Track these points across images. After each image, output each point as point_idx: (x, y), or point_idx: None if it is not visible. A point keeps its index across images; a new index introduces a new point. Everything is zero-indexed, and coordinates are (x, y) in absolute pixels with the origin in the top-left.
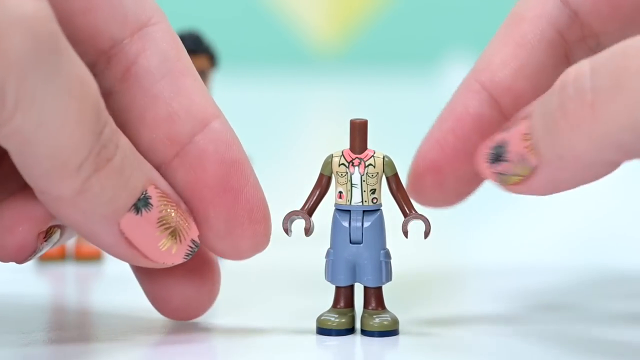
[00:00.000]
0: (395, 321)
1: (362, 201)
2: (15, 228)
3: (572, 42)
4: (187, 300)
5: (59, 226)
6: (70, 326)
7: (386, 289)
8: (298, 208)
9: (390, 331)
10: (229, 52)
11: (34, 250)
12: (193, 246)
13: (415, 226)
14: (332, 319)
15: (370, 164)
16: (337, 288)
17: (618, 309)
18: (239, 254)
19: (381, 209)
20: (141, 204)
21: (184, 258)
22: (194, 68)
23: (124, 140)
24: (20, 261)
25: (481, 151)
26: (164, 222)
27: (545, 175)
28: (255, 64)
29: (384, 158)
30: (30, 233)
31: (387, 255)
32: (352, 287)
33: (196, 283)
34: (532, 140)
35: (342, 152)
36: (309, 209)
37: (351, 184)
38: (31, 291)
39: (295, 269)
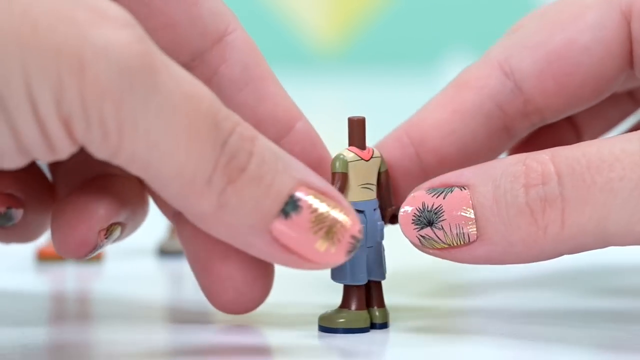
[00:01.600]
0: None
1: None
2: (77, 225)
3: (514, 116)
4: (241, 294)
5: (119, 223)
6: (70, 326)
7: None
8: None
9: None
10: None
11: (95, 247)
12: (354, 242)
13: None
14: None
15: (378, 157)
16: (349, 288)
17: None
18: (239, 309)
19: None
20: (289, 208)
21: (347, 256)
22: (272, 72)
23: (261, 145)
24: (80, 257)
25: (407, 208)
26: (318, 222)
27: (481, 251)
28: None
29: (380, 154)
30: (92, 230)
31: (383, 249)
32: (364, 287)
33: (250, 277)
34: (475, 217)
35: (350, 151)
36: None
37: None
38: (31, 291)
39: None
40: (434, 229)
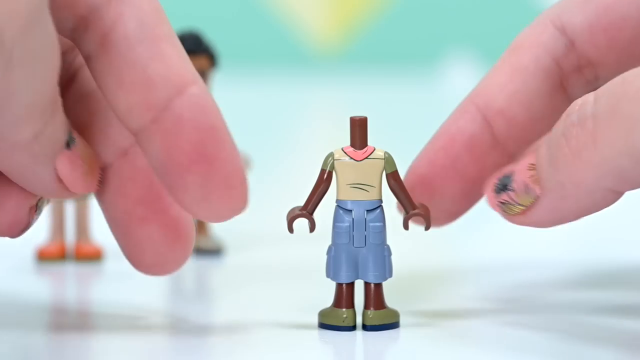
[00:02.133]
0: (397, 313)
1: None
2: (6, 204)
3: (569, 72)
4: (160, 256)
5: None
6: (70, 326)
7: (387, 284)
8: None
9: (393, 323)
10: (229, 52)
11: (27, 225)
12: (102, 174)
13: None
14: (342, 315)
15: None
16: (339, 286)
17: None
18: (217, 217)
19: (382, 205)
20: (70, 140)
21: (98, 186)
22: (175, 35)
23: None
24: (14, 236)
25: (489, 181)
26: (84, 156)
27: (547, 204)
28: (255, 64)
29: (384, 154)
30: (22, 209)
31: (389, 251)
32: (352, 286)
33: (170, 238)
34: (536, 170)
35: (343, 150)
36: (311, 209)
37: None
38: (31, 291)
39: (296, 266)
40: (507, 191)
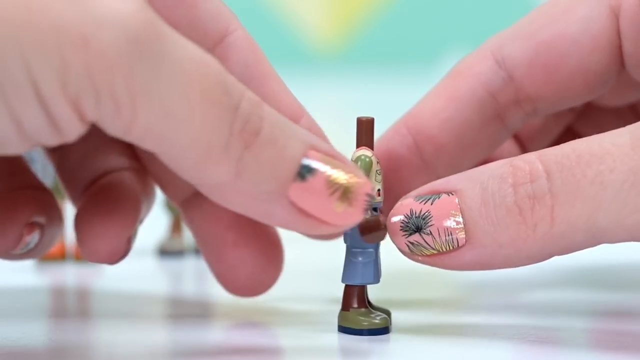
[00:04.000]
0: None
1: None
2: (105, 235)
3: (507, 104)
4: (253, 278)
5: (140, 220)
6: (70, 326)
7: (379, 287)
8: None
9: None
10: None
11: (125, 254)
12: (368, 199)
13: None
14: (376, 318)
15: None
16: (360, 288)
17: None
18: (249, 292)
19: None
20: (305, 170)
21: (364, 214)
22: (274, 70)
23: (268, 109)
24: (112, 264)
25: (395, 216)
26: (333, 182)
27: (470, 255)
28: None
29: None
30: (121, 238)
31: (354, 255)
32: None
33: (262, 262)
34: (463, 221)
35: (371, 152)
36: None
37: (382, 182)
38: (31, 291)
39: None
40: (422, 234)
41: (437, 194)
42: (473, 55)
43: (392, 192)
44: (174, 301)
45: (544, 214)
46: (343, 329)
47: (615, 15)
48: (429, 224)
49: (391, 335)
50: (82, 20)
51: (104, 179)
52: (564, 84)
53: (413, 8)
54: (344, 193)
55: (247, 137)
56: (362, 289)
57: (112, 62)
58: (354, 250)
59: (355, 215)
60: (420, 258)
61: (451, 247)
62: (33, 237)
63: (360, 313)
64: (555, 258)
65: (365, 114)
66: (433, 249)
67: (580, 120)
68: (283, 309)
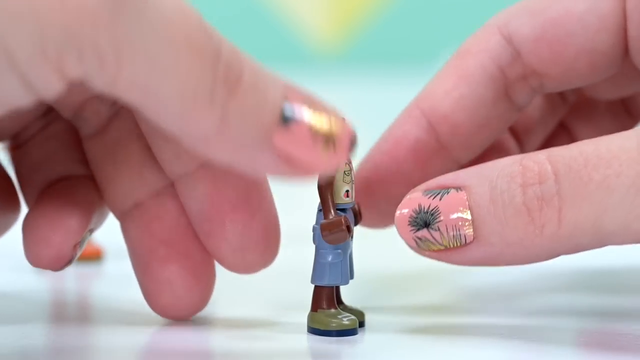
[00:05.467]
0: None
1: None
2: (51, 240)
3: (514, 80)
4: (178, 299)
5: (89, 229)
6: (70, 326)
7: (355, 286)
8: (296, 210)
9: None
10: None
11: (70, 260)
12: (353, 140)
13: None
14: (344, 319)
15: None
16: (329, 289)
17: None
18: (247, 268)
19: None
20: (287, 114)
21: (349, 153)
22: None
23: (245, 55)
24: (55, 270)
25: (404, 210)
26: (317, 124)
27: (477, 252)
28: None
29: None
30: (66, 244)
31: (323, 256)
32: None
33: (189, 283)
34: (472, 218)
35: None
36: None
37: (352, 181)
38: (31, 291)
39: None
40: (430, 230)
41: (446, 188)
42: (480, 32)
43: (412, 175)
44: None
45: (552, 216)
46: (312, 330)
47: None
48: (437, 219)
49: (364, 336)
50: None
51: (58, 184)
52: (570, 62)
53: (412, 8)
54: (327, 136)
55: (230, 83)
56: (331, 290)
57: (93, 15)
58: (321, 250)
59: (339, 158)
60: (427, 253)
61: (459, 244)
62: (77, 252)
63: (328, 314)
64: (562, 259)
65: (364, 114)
66: (440, 244)
67: (573, 114)
68: (254, 309)
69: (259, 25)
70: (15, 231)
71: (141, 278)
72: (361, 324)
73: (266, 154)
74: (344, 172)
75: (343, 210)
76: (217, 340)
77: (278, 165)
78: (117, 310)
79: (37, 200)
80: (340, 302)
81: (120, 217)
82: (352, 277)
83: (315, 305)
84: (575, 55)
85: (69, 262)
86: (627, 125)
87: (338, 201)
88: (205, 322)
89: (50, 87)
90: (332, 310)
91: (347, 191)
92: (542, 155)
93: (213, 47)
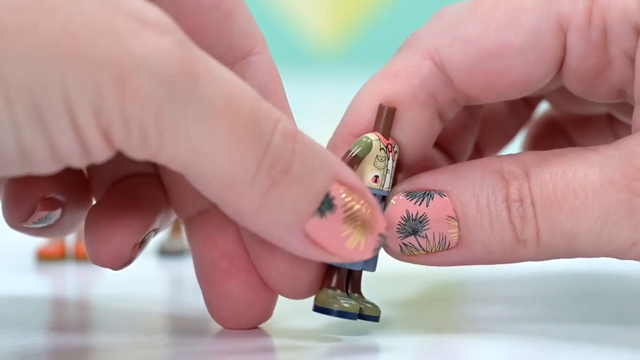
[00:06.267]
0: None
1: (390, 187)
2: (111, 237)
3: (446, 103)
4: (239, 312)
5: (153, 229)
6: (70, 326)
7: (375, 281)
8: None
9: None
10: None
11: (130, 260)
12: (381, 240)
13: None
14: (347, 302)
15: (397, 151)
16: (341, 270)
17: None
18: (297, 294)
19: None
20: (325, 207)
21: (373, 253)
22: (287, 99)
23: (301, 141)
24: (115, 269)
25: (391, 215)
26: (350, 219)
27: (458, 256)
28: None
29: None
30: (126, 244)
31: None
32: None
33: (250, 298)
34: (458, 226)
35: (378, 136)
36: None
37: (387, 169)
38: (31, 291)
39: None
40: (417, 237)
41: (428, 191)
42: (408, 55)
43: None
44: (174, 302)
45: (532, 234)
46: (314, 308)
47: (563, 30)
48: (426, 227)
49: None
50: (122, 58)
51: (124, 182)
52: (503, 90)
53: (412, 8)
54: (359, 230)
55: (276, 174)
56: (343, 272)
57: (145, 101)
58: None
59: (365, 253)
60: (406, 258)
61: (442, 249)
62: (52, 214)
63: (330, 294)
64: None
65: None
66: (424, 250)
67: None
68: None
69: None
70: (16, 231)
71: (203, 288)
72: (375, 319)
73: (295, 237)
74: (377, 156)
75: (381, 197)
76: (217, 340)
77: (305, 248)
78: (117, 310)
79: (102, 197)
80: (358, 292)
81: (186, 222)
82: (372, 269)
83: (323, 282)
84: (510, 84)
85: (128, 262)
86: (526, 118)
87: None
88: (206, 322)
89: (101, 152)
90: (338, 291)
91: (376, 177)
92: (520, 168)
93: (261, 138)
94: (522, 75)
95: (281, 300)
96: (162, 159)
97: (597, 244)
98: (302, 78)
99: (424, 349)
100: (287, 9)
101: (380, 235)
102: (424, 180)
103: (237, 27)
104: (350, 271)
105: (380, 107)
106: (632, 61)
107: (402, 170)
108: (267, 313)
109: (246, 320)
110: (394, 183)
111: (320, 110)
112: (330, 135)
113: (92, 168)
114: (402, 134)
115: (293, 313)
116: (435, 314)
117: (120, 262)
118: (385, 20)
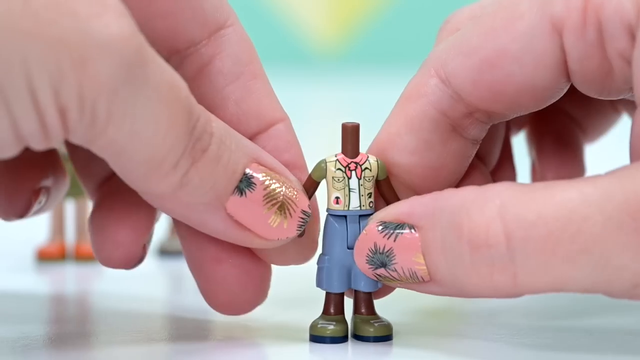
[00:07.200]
0: (389, 327)
1: (360, 206)
2: (122, 240)
3: (459, 118)
4: (235, 296)
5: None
6: (70, 326)
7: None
8: None
9: (385, 336)
10: None
11: (141, 259)
12: (304, 217)
13: None
14: (328, 326)
15: (367, 168)
16: (328, 295)
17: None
18: (289, 263)
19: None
20: (244, 184)
21: (297, 230)
22: (264, 71)
23: (217, 125)
24: (127, 269)
25: (359, 245)
26: (270, 198)
27: (438, 290)
28: None
29: (377, 161)
30: (137, 245)
31: None
32: (343, 293)
33: (244, 281)
34: (425, 263)
35: (336, 157)
36: None
37: (349, 188)
38: (31, 291)
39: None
40: (387, 270)
41: (401, 223)
42: (418, 76)
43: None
44: (174, 301)
45: (506, 280)
46: (309, 338)
47: (558, 31)
48: (393, 262)
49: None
50: (84, 40)
51: (116, 177)
52: (513, 99)
53: (412, 9)
54: (280, 209)
55: (195, 153)
56: (331, 295)
57: (102, 84)
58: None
59: (289, 232)
60: (390, 284)
61: (415, 282)
62: (41, 200)
63: (315, 322)
64: None
65: (364, 114)
66: (400, 280)
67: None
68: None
69: (259, 26)
70: (15, 231)
71: (197, 277)
72: (387, 338)
73: (217, 218)
74: (333, 177)
75: (344, 217)
76: (216, 340)
77: (228, 229)
78: (116, 310)
79: (100, 194)
80: (371, 312)
81: (95, 191)
82: (372, 288)
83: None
84: (516, 92)
85: (140, 261)
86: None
87: (329, 206)
88: (206, 322)
89: (58, 134)
90: (329, 316)
91: (337, 198)
92: (494, 209)
93: (189, 123)
94: (523, 82)
95: (284, 301)
96: (99, 143)
97: (588, 286)
98: (302, 78)
99: (428, 350)
100: (287, 9)
101: (304, 212)
102: (400, 211)
103: (209, 3)
104: (356, 294)
105: (343, 127)
106: (628, 62)
107: (418, 191)
108: (262, 294)
109: (242, 302)
110: (395, 199)
111: (320, 110)
112: (329, 134)
113: (79, 163)
114: (412, 155)
115: (293, 313)
116: (441, 321)
117: (132, 262)
118: (385, 21)
